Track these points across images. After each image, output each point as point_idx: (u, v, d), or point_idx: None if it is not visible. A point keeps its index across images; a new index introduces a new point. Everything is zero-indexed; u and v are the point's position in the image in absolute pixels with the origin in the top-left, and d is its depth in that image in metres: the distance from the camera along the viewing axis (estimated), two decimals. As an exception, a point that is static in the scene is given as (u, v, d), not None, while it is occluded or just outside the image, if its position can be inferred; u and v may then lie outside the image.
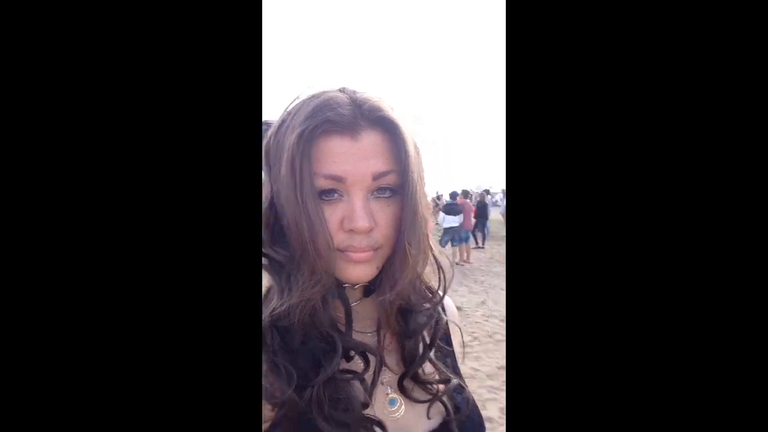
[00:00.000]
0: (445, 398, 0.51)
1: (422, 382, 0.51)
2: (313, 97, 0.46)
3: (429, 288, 0.54)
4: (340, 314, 0.47)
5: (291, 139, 0.43)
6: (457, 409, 0.52)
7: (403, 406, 0.50)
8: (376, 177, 0.44)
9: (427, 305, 0.52)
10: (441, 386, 0.51)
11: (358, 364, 0.48)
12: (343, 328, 0.47)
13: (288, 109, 0.47)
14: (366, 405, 0.45)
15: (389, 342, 0.52)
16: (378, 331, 0.50)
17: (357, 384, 0.46)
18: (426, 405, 0.50)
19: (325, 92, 0.46)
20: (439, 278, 0.54)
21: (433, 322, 0.53)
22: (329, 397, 0.43)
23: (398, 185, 0.45)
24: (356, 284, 0.49)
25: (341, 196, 0.44)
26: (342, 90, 0.47)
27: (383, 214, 0.45)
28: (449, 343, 0.58)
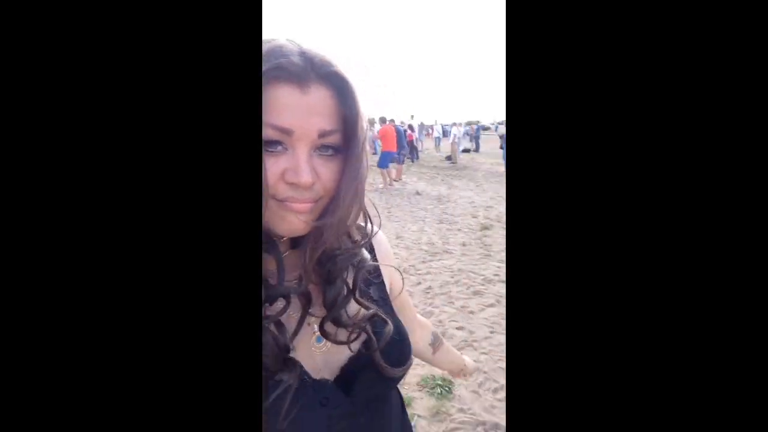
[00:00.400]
0: (368, 328, 0.54)
1: (344, 325, 0.53)
2: (263, 42, 0.45)
3: (353, 240, 0.56)
4: (270, 267, 0.48)
5: None
6: (378, 337, 0.54)
7: (327, 342, 0.53)
8: (322, 135, 0.44)
9: (347, 246, 0.54)
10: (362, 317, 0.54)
11: (277, 308, 0.49)
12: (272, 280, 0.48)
13: None
14: (287, 349, 0.47)
15: (313, 288, 0.53)
16: (300, 281, 0.51)
17: (273, 328, 0.47)
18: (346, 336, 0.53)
19: (273, 39, 0.46)
20: (367, 227, 0.56)
21: (354, 264, 0.55)
22: None
23: (341, 145, 0.46)
24: (289, 236, 0.48)
25: (285, 149, 0.44)
26: (288, 40, 0.46)
27: (326, 169, 0.46)
28: (378, 276, 0.61)
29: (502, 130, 15.58)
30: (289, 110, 0.42)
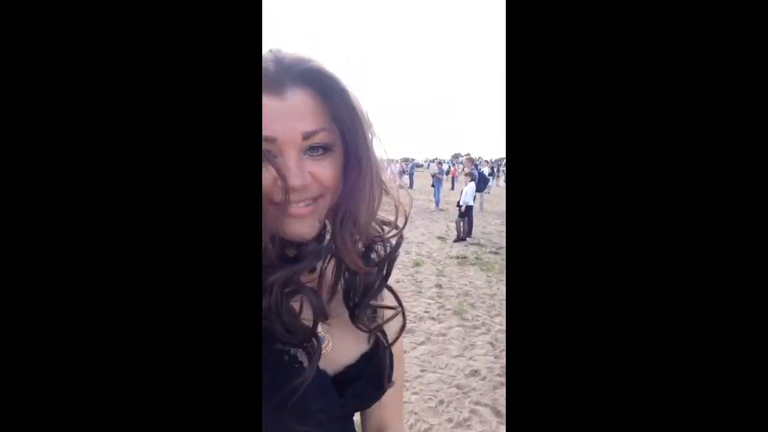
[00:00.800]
0: (378, 332, 0.58)
1: (367, 317, 0.57)
2: None
3: (386, 223, 0.57)
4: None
5: None
6: (383, 344, 0.58)
7: (330, 343, 0.55)
8: (306, 137, 0.45)
9: (379, 260, 0.56)
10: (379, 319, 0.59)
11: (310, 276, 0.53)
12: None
13: None
14: (326, 316, 0.51)
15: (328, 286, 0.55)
16: (320, 279, 0.53)
17: (313, 297, 0.49)
18: (351, 340, 0.57)
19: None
20: (397, 214, 0.57)
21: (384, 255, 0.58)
22: (286, 303, 0.47)
23: (330, 143, 0.46)
24: (299, 240, 0.49)
25: (275, 156, 0.45)
26: (269, 50, 0.47)
27: (319, 167, 0.46)
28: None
29: (434, 168, 16.54)
30: (269, 119, 0.43)
